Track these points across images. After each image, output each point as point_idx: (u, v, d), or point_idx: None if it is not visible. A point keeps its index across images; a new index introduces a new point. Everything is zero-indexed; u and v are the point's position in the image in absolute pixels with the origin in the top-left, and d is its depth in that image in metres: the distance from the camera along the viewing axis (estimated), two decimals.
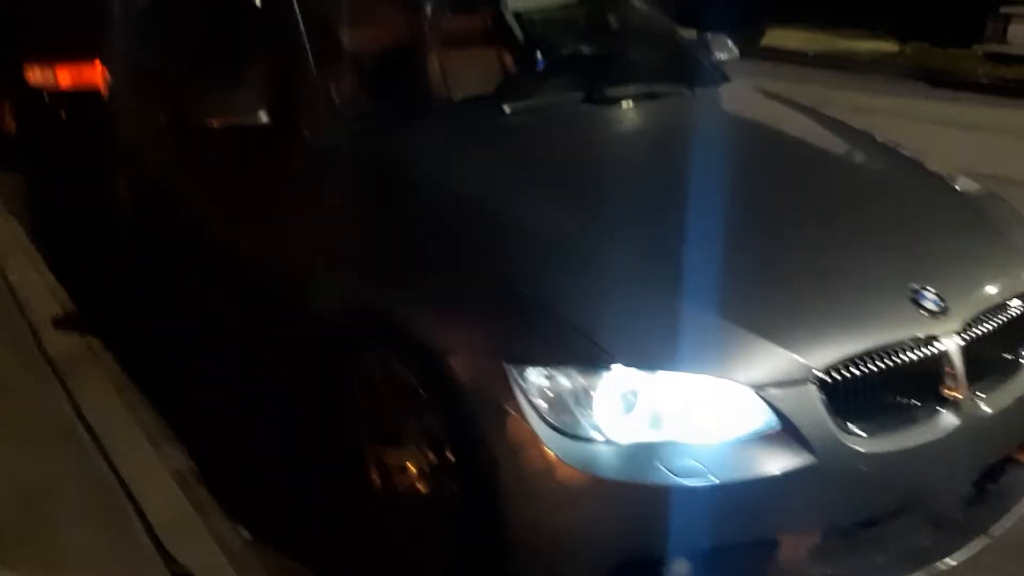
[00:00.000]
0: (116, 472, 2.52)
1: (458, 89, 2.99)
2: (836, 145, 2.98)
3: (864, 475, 1.86)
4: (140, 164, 3.99)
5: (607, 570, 1.86)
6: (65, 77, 5.50)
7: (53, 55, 5.51)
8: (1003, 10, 8.86)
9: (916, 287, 2.01)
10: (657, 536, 1.80)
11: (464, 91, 2.98)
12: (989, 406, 2.01)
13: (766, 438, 1.81)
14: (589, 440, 1.81)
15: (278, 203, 2.73)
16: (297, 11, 2.83)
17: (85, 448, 2.65)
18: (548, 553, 1.90)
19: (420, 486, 2.23)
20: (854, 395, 1.86)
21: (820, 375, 1.83)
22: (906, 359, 1.92)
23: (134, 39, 4.12)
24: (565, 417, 1.83)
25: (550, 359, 1.84)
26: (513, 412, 1.84)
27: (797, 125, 3.06)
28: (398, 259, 2.25)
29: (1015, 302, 2.15)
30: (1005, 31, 8.88)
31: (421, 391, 2.08)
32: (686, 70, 3.22)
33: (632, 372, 1.80)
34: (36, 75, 5.56)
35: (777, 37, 11.20)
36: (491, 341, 1.95)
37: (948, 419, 1.95)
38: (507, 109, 2.73)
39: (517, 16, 3.39)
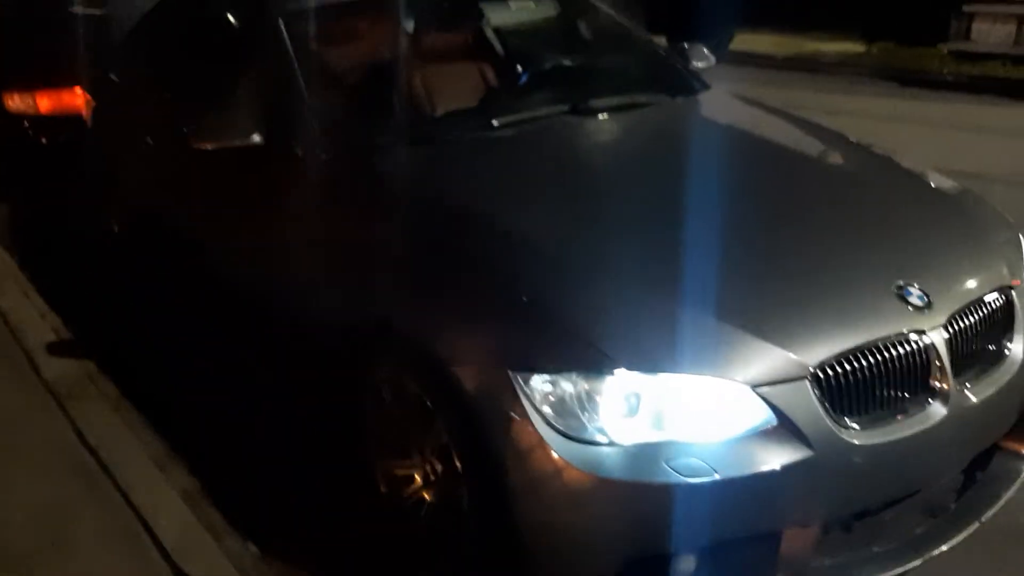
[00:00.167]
0: (124, 494, 2.54)
1: (446, 104, 3.04)
2: (815, 148, 3.07)
3: (859, 466, 1.94)
4: (127, 187, 4.01)
5: (616, 569, 1.91)
6: (45, 103, 5.50)
7: (32, 82, 5.50)
8: (967, 9, 9.04)
9: (901, 283, 2.09)
10: (663, 533, 1.86)
11: (452, 106, 3.03)
12: (975, 396, 2.10)
13: (764, 434, 1.87)
14: (594, 443, 1.87)
15: (276, 221, 2.77)
16: (285, 36, 2.88)
17: (91, 472, 2.67)
18: (558, 554, 1.96)
19: (428, 494, 2.28)
20: (847, 390, 1.94)
21: (814, 372, 1.91)
22: (895, 353, 1.99)
23: (117, 65, 4.16)
24: (570, 421, 1.88)
25: (554, 366, 1.90)
26: (519, 418, 1.90)
27: (777, 130, 3.14)
28: (400, 273, 2.30)
29: (995, 295, 2.23)
30: (969, 29, 9.07)
31: (428, 401, 2.13)
32: (667, 79, 3.31)
33: (634, 375, 1.87)
34: (15, 102, 5.56)
35: (746, 42, 11.33)
36: (496, 350, 2.00)
37: (937, 410, 2.03)
38: (495, 123, 2.80)
39: (497, 32, 3.45)
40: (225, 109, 2.80)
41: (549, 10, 3.73)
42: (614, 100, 3.05)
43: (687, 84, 3.29)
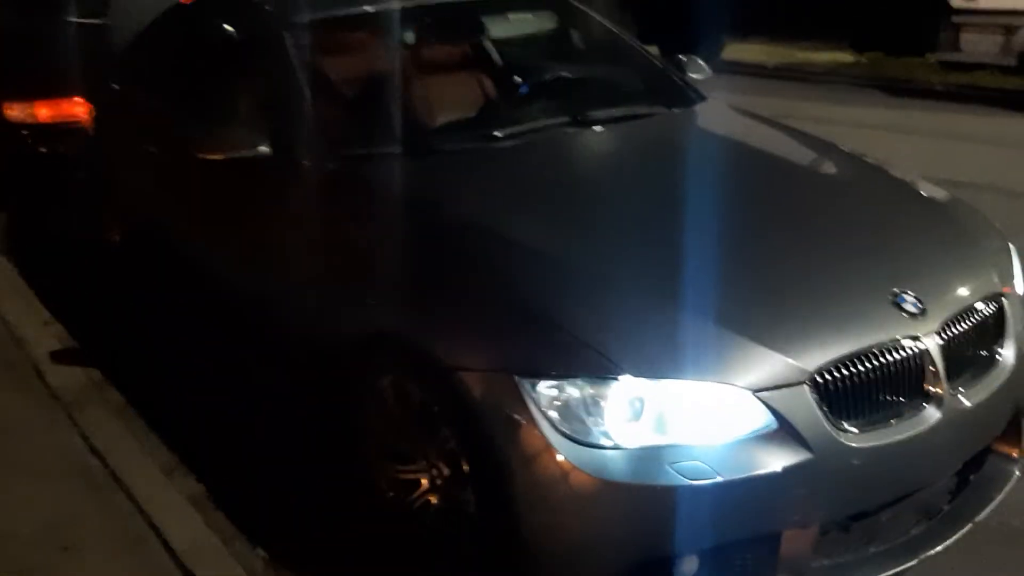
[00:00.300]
0: (133, 500, 2.57)
1: (449, 116, 3.10)
2: (810, 158, 3.13)
3: (857, 468, 1.99)
4: (128, 195, 4.05)
5: (621, 570, 1.96)
6: (44, 112, 5.52)
7: (31, 92, 5.53)
8: (955, 19, 9.13)
9: (896, 291, 2.15)
10: (667, 535, 1.91)
11: (455, 117, 3.09)
12: (968, 400, 2.16)
13: (765, 437, 1.93)
14: (599, 446, 1.92)
15: (282, 229, 2.81)
16: (290, 48, 2.93)
17: (99, 478, 2.70)
18: (564, 556, 2.01)
19: (433, 498, 2.32)
20: (844, 394, 2.00)
21: (813, 377, 1.96)
22: (890, 359, 2.05)
23: (119, 74, 4.19)
24: (576, 425, 1.93)
25: (560, 371, 1.95)
26: (526, 423, 1.95)
27: (772, 141, 3.21)
28: (407, 281, 2.35)
29: (986, 302, 2.30)
30: (957, 40, 9.15)
31: (435, 407, 2.18)
32: (665, 91, 3.37)
33: (639, 381, 1.92)
34: (15, 111, 5.58)
35: (736, 51, 11.43)
36: (502, 356, 2.05)
37: (931, 413, 2.09)
38: (498, 134, 2.85)
39: (498, 44, 3.51)
40: (232, 120, 2.85)
41: (548, 23, 3.80)
42: (613, 112, 3.10)
43: (684, 96, 3.35)
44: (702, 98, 3.36)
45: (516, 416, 1.96)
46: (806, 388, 1.95)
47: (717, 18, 9.92)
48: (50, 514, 2.55)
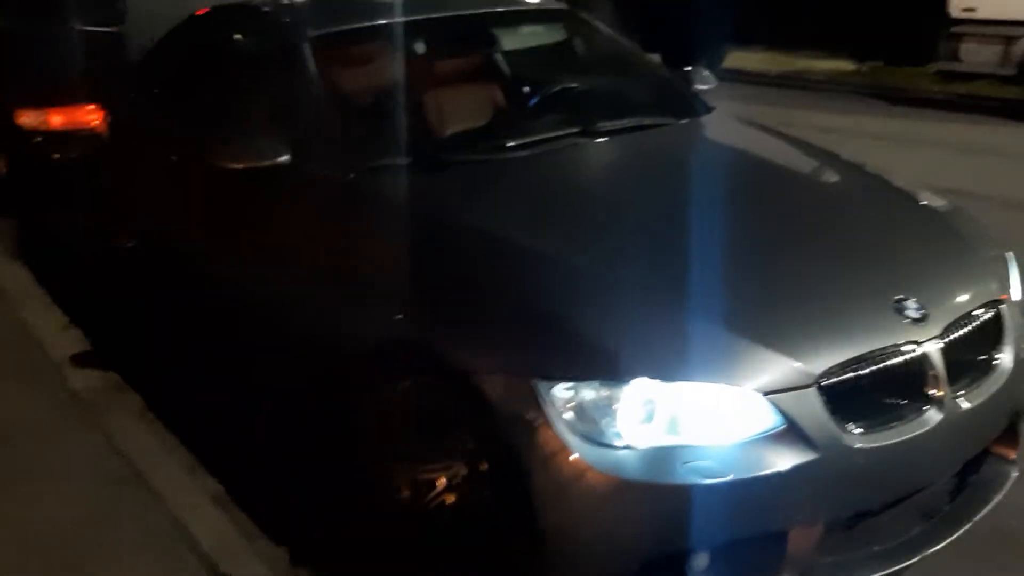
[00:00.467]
0: (159, 500, 2.65)
1: (464, 127, 3.18)
2: (815, 168, 3.22)
3: (861, 468, 2.07)
4: (144, 201, 4.11)
5: (635, 567, 2.04)
6: (57, 120, 5.60)
7: (44, 99, 5.61)
8: (955, 29, 9.23)
9: (899, 298, 2.23)
10: (679, 532, 1.99)
11: (470, 129, 3.18)
12: (968, 403, 2.24)
13: (773, 437, 2.01)
14: (613, 446, 2.00)
15: (301, 238, 2.88)
16: (310, 59, 3.02)
17: (124, 479, 2.78)
18: (581, 552, 2.08)
19: (450, 498, 2.39)
20: (849, 396, 2.08)
21: (819, 380, 2.04)
22: (893, 363, 2.14)
23: (136, 83, 4.27)
24: (590, 426, 2.02)
25: (576, 374, 2.03)
26: (543, 424, 2.02)
27: (778, 151, 3.29)
28: (427, 290, 2.42)
29: (985, 309, 2.38)
30: (957, 49, 9.25)
31: (454, 410, 2.26)
32: (672, 102, 3.46)
33: (652, 383, 2.00)
34: (28, 118, 5.66)
35: (738, 59, 11.54)
36: (520, 360, 2.12)
37: (932, 416, 2.17)
38: (511, 145, 2.93)
39: (509, 57, 3.60)
40: (251, 130, 2.92)
41: (557, 35, 3.89)
42: (622, 123, 3.18)
43: (691, 107, 3.43)
44: (708, 109, 3.45)
45: (533, 418, 2.03)
46: (813, 391, 2.03)
47: (720, 27, 10.01)
48: (78, 512, 2.63)
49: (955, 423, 2.19)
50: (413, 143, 2.97)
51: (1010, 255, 2.65)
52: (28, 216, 5.65)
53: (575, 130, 3.08)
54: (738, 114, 3.70)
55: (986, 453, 2.45)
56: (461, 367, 2.19)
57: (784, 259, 2.39)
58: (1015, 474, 2.47)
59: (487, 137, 3.12)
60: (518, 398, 2.07)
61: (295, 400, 3.09)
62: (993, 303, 2.41)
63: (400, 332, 2.40)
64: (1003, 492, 2.42)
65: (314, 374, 2.86)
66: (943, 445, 2.21)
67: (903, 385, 2.16)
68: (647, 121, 3.27)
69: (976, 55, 9.14)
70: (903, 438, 2.11)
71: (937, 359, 2.18)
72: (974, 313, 2.34)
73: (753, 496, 2.00)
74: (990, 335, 2.38)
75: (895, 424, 2.13)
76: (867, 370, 2.10)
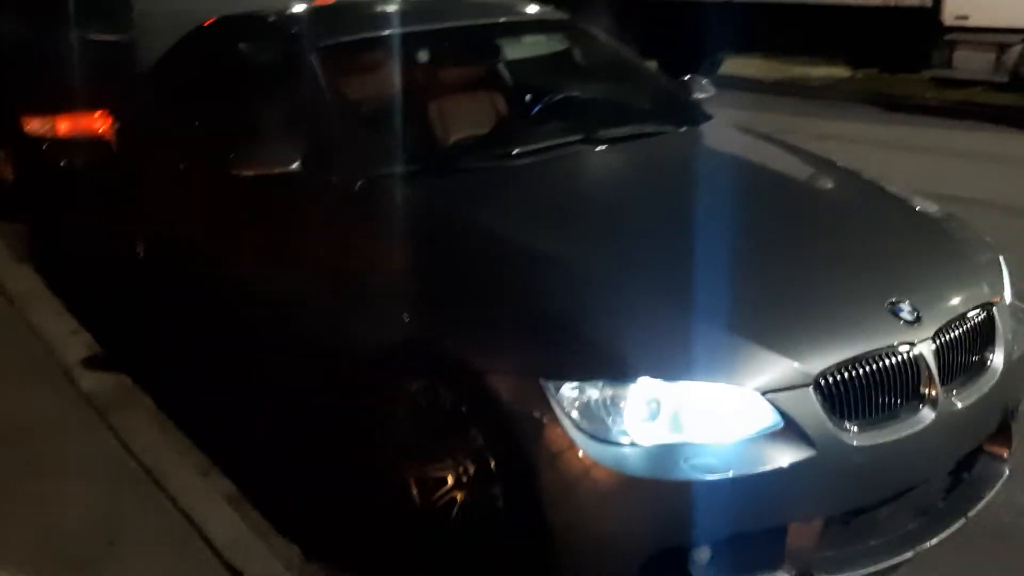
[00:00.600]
0: (172, 499, 2.71)
1: (470, 135, 3.26)
2: (812, 175, 3.29)
3: (857, 465, 2.15)
4: (154, 207, 4.17)
5: (640, 560, 2.11)
6: (64, 126, 5.66)
7: (51, 105, 5.67)
8: (948, 37, 9.31)
9: (894, 300, 2.31)
10: (682, 527, 2.07)
11: (475, 137, 3.25)
12: (961, 402, 2.32)
13: (773, 435, 2.09)
14: (619, 444, 2.08)
15: (311, 243, 2.95)
16: (319, 69, 3.10)
17: (138, 479, 2.84)
18: (587, 546, 2.15)
19: (460, 495, 2.46)
20: (846, 396, 2.15)
21: (816, 379, 2.12)
22: (888, 363, 2.21)
23: (145, 90, 4.34)
24: (597, 425, 2.09)
25: (582, 374, 2.11)
26: (550, 422, 2.10)
27: (776, 158, 3.37)
28: (437, 293, 2.49)
29: (977, 311, 2.46)
30: (951, 57, 9.33)
31: (463, 409, 2.32)
32: (673, 110, 3.54)
33: (656, 383, 2.08)
34: (35, 125, 5.72)
35: (734, 66, 11.62)
36: (528, 361, 2.20)
37: (927, 414, 2.24)
38: (516, 152, 3.00)
39: (512, 66, 3.68)
40: (265, 137, 2.99)
41: (559, 45, 3.97)
42: (624, 131, 3.26)
43: (691, 115, 3.51)
44: (708, 117, 3.53)
45: (540, 416, 2.11)
46: (810, 390, 2.11)
47: (716, 34, 10.09)
48: (94, 511, 2.69)
49: (949, 422, 2.27)
50: (420, 150, 3.05)
51: (1002, 258, 2.73)
52: (37, 221, 5.71)
53: (578, 138, 3.16)
54: (735, 121, 3.78)
55: (979, 451, 2.53)
56: (470, 368, 2.26)
57: (783, 263, 2.46)
58: (1007, 471, 2.54)
59: (492, 145, 3.20)
60: (526, 397, 2.14)
61: (306, 401, 3.16)
62: (985, 305, 2.48)
63: (411, 334, 2.48)
64: (996, 489, 2.50)
65: (326, 376, 2.93)
66: (937, 443, 2.28)
67: (898, 385, 2.23)
68: (648, 129, 3.35)
69: (970, 62, 9.21)
70: (898, 436, 2.19)
71: (931, 359, 2.26)
72: (967, 315, 2.42)
73: (753, 492, 2.07)
74: (983, 336, 2.46)
75: (891, 423, 2.20)
76: (863, 370, 2.17)
